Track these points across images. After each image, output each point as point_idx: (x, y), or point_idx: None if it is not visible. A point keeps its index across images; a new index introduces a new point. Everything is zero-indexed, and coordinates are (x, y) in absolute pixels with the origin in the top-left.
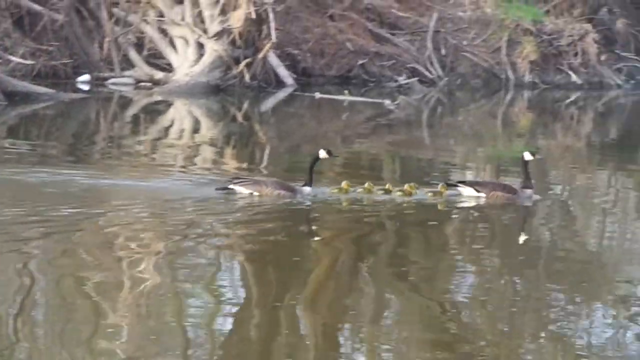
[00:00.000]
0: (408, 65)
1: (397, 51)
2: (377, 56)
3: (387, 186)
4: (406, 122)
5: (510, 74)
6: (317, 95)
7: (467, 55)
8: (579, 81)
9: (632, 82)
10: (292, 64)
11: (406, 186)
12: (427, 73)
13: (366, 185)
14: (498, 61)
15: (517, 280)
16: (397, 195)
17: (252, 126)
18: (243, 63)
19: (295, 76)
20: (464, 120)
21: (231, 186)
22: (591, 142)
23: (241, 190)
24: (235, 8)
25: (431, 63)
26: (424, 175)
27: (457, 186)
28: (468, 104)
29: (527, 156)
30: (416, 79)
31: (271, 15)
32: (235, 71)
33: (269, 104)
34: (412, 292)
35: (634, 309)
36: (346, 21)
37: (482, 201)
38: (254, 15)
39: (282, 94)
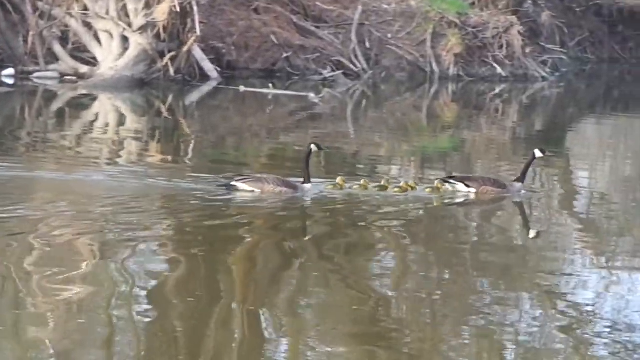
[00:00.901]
0: (333, 59)
1: (321, 44)
2: (302, 49)
3: (383, 182)
4: (331, 115)
5: (435, 66)
6: (242, 88)
7: (391, 48)
8: (504, 74)
9: (557, 74)
10: (216, 58)
11: (402, 183)
12: (351, 66)
13: (362, 181)
14: (423, 54)
15: (450, 274)
16: (393, 191)
17: (176, 120)
18: (167, 57)
19: (219, 69)
20: (388, 114)
21: (233, 183)
22: (516, 134)
23: (244, 187)
24: (159, 2)
25: (356, 56)
26: (350, 168)
27: (449, 182)
28: (393, 97)
29: (538, 153)
30: (341, 72)
31: (195, 9)
32: (159, 65)
33: (193, 97)
34: (345, 286)
35: (559, 301)
36: (270, 14)
37: (472, 196)
38: (178, 9)
39: (206, 88)
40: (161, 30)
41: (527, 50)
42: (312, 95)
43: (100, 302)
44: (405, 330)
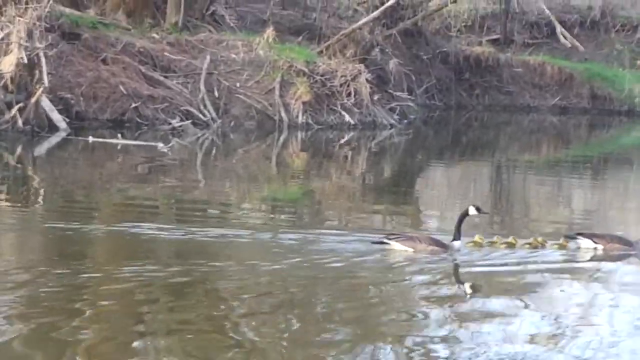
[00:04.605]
0: (182, 108)
1: (170, 94)
2: (151, 99)
3: (510, 239)
4: (180, 165)
5: (283, 115)
6: (91, 139)
7: (240, 97)
8: (353, 121)
9: (405, 121)
10: (65, 108)
11: (532, 239)
12: (200, 115)
13: (495, 238)
14: (271, 102)
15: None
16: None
17: (25, 171)
18: (15, 108)
19: (68, 120)
20: (238, 163)
21: (386, 240)
22: (365, 181)
23: (397, 246)
24: (6, 53)
25: (204, 105)
26: (196, 217)
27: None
28: (242, 146)
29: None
30: (190, 121)
31: (43, 60)
32: (7, 116)
33: (42, 148)
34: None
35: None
36: (119, 64)
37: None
38: (25, 60)
39: (55, 139)
40: (9, 82)
41: (375, 97)
42: (160, 144)
43: None
44: None
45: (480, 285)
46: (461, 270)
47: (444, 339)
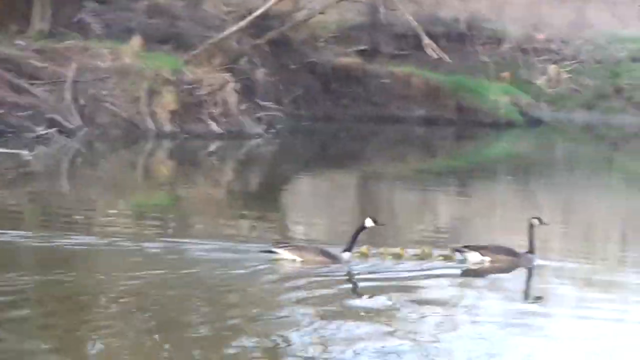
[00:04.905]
0: (47, 116)
1: (36, 101)
2: (16, 106)
3: (398, 250)
4: (45, 172)
5: (150, 123)
6: None
7: (106, 105)
8: (220, 130)
9: (272, 131)
10: None
11: (419, 250)
12: (66, 123)
13: (381, 249)
14: (138, 111)
15: None
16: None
17: None
18: None
19: None
20: (103, 171)
21: (274, 249)
22: (232, 191)
23: (286, 254)
24: None
25: (70, 113)
26: (60, 225)
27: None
28: (108, 155)
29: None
30: (55, 129)
31: None
32: None
33: None
34: None
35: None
36: None
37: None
38: None
39: None
40: None
41: (242, 107)
42: (24, 152)
43: None
44: None
45: (351, 294)
46: (335, 279)
47: (305, 344)
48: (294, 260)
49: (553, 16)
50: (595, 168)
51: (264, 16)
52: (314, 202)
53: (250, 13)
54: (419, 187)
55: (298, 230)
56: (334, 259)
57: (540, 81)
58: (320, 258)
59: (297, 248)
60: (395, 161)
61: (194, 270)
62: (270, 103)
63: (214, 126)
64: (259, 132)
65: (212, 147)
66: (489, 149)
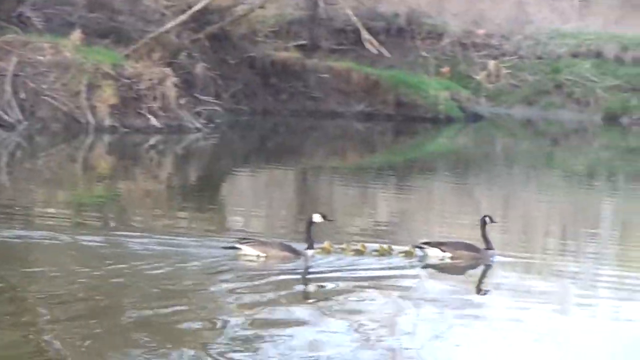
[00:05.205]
0: None
1: None
2: None
3: (359, 246)
4: None
5: (90, 118)
6: None
7: (47, 99)
8: (159, 125)
9: (212, 125)
10: None
11: (379, 247)
12: (6, 117)
13: (344, 245)
14: (78, 105)
15: None
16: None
17: None
18: None
19: None
20: (43, 165)
21: (238, 245)
22: (171, 184)
23: (249, 250)
24: None
25: (10, 107)
26: (4, 218)
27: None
28: (48, 148)
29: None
30: None
31: None
32: None
33: None
34: None
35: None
36: None
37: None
38: None
39: None
40: None
41: (182, 101)
42: None
43: None
44: None
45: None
46: (283, 277)
47: (246, 345)
48: (257, 257)
49: (493, 12)
50: (534, 163)
51: (204, 10)
52: (252, 196)
53: (190, 7)
54: (358, 182)
55: (237, 224)
56: (298, 254)
57: (480, 76)
58: (284, 254)
59: (261, 244)
60: (335, 156)
61: (131, 263)
62: (210, 97)
63: (153, 120)
64: (198, 126)
65: (152, 141)
66: (428, 144)
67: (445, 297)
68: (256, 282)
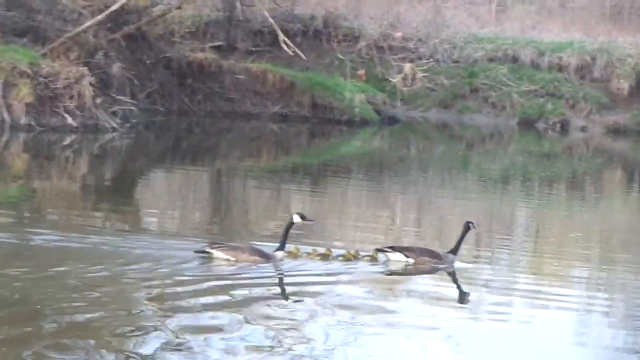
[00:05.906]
0: None
1: None
2: None
3: (325, 250)
4: None
5: (6, 116)
6: None
7: None
8: (75, 124)
9: (127, 125)
10: None
11: (345, 251)
12: None
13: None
14: None
15: None
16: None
17: None
18: None
19: None
20: None
21: (208, 250)
22: (86, 184)
23: (220, 255)
24: None
25: None
26: None
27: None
28: None
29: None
30: None
31: None
32: None
33: None
34: None
35: None
36: None
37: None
38: None
39: None
40: None
41: (98, 101)
42: None
43: None
44: None
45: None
46: (213, 283)
47: (164, 350)
48: (227, 260)
49: (410, 15)
50: (449, 167)
51: (121, 11)
52: (167, 196)
53: (107, 7)
54: (272, 183)
55: (151, 223)
56: (268, 258)
57: (396, 80)
58: (253, 257)
59: (230, 248)
60: (249, 157)
61: (43, 262)
62: (126, 97)
63: (69, 119)
64: (114, 126)
65: (67, 140)
66: (343, 147)
67: (357, 303)
68: (178, 289)
